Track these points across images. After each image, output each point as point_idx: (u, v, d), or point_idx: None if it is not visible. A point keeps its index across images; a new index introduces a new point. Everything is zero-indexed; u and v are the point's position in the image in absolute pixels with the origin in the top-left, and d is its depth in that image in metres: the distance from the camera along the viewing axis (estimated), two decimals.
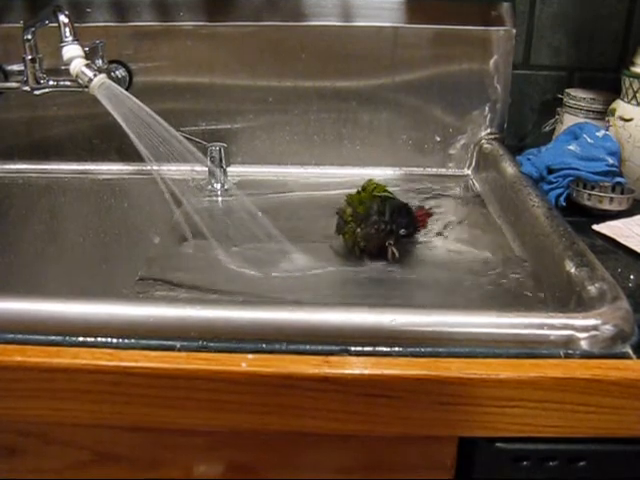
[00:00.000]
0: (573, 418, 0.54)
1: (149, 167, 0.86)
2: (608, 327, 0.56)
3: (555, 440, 0.55)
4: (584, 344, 0.56)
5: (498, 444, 0.56)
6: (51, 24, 0.87)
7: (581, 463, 0.57)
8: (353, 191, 0.83)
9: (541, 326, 0.56)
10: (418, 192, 1.00)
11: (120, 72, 1.03)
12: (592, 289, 0.62)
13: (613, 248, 0.77)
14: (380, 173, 1.06)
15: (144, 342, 0.54)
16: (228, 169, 1.02)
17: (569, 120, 1.02)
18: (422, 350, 0.54)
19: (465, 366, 0.53)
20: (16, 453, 0.60)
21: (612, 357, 0.55)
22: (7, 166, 1.10)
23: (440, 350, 0.55)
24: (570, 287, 0.65)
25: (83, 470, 0.60)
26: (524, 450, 0.56)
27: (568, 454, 0.56)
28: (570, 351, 0.55)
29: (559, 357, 0.54)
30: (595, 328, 0.56)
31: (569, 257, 0.68)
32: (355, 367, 0.52)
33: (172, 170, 0.93)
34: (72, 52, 0.84)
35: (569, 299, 0.64)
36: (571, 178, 0.88)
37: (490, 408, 0.53)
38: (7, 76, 1.04)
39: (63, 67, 0.86)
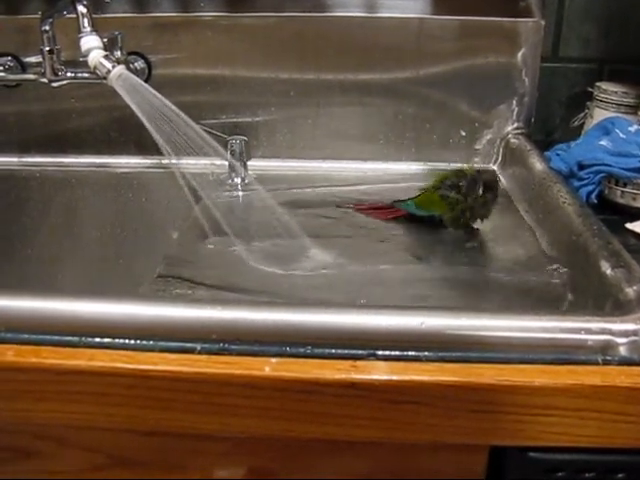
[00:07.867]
0: (612, 428, 0.51)
1: (168, 161, 0.85)
2: None
3: (592, 451, 0.53)
4: (623, 350, 0.53)
5: (531, 454, 0.53)
6: (69, 15, 0.86)
7: (619, 475, 0.54)
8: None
9: (578, 330, 0.54)
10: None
11: (139, 64, 1.01)
12: (630, 292, 0.59)
13: None
14: (404, 168, 1.04)
15: (163, 344, 0.52)
16: (249, 163, 1.00)
17: (599, 114, 0.98)
18: (453, 355, 0.52)
19: (498, 372, 0.50)
20: (31, 456, 0.59)
21: None
22: (24, 159, 1.09)
23: (471, 355, 0.52)
24: (605, 289, 0.62)
25: (98, 474, 0.59)
26: (559, 461, 0.54)
27: (606, 466, 0.54)
28: (608, 357, 0.52)
29: (597, 364, 0.51)
30: (635, 333, 0.53)
31: (604, 257, 0.65)
32: (383, 372, 0.50)
33: (191, 164, 0.91)
34: (90, 43, 0.83)
35: (604, 302, 0.61)
36: (603, 174, 0.85)
37: (523, 416, 0.51)
38: (25, 68, 1.03)
39: (81, 59, 0.84)
